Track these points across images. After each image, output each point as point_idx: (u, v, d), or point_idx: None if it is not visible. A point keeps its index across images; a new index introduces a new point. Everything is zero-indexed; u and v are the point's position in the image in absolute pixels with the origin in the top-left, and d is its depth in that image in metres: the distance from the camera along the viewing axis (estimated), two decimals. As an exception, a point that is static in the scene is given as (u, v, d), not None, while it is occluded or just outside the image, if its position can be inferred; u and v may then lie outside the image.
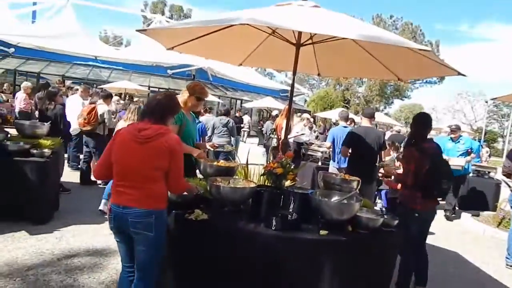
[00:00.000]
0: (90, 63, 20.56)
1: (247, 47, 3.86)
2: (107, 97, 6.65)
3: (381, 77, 4.58)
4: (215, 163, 3.05)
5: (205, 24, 2.68)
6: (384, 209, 2.82)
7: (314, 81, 47.58)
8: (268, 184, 2.89)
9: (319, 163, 6.49)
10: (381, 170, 4.18)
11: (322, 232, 2.40)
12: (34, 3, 27.25)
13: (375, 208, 3.02)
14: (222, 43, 3.61)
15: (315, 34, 3.19)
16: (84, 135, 6.29)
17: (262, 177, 3.09)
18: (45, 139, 4.12)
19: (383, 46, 2.90)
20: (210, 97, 19.06)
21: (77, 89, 7.57)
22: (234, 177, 2.82)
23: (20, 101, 8.86)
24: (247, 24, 3.06)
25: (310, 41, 3.30)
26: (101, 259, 3.34)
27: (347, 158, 5.03)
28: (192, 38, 3.38)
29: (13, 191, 3.69)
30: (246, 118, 19.76)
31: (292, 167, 2.89)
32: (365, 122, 5.14)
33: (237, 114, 10.23)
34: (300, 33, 3.16)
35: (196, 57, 19.95)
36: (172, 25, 2.75)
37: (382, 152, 5.13)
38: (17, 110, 9.05)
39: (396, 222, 2.70)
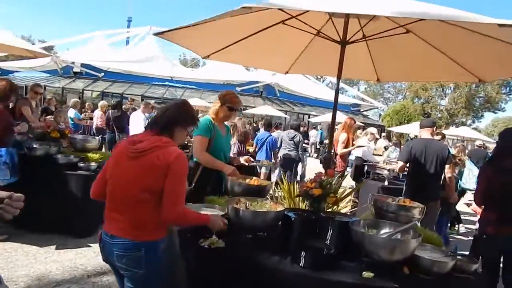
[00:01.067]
0: (167, 83, 22.05)
1: (292, 51, 3.48)
2: None
3: (455, 79, 3.80)
4: (246, 180, 2.67)
5: (221, 16, 2.30)
6: (456, 246, 2.11)
7: (390, 95, 44.91)
8: (304, 208, 2.42)
9: (386, 182, 5.69)
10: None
11: (366, 274, 1.86)
12: (128, 32, 30.43)
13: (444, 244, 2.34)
14: (262, 48, 3.29)
15: (363, 27, 2.68)
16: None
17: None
18: (94, 153, 4.19)
19: (454, 37, 2.28)
20: (277, 113, 18.99)
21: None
22: (264, 198, 2.39)
23: (97, 118, 9.65)
24: (285, 24, 2.71)
25: (359, 37, 2.79)
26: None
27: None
28: (228, 44, 3.12)
29: (59, 203, 3.76)
30: (313, 133, 19.17)
31: (342, 187, 2.40)
32: (424, 134, 4.36)
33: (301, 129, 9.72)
34: (345, 28, 2.68)
35: (264, 73, 20.21)
36: (187, 25, 2.47)
37: (447, 167, 4.27)
38: (94, 126, 9.91)
39: (475, 266, 2.01)
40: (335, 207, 3.70)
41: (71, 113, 8.96)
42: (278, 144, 6.93)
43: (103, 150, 7.01)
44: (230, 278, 1.99)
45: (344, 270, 1.89)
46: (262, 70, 27.04)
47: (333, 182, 2.36)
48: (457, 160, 5.31)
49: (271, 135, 6.89)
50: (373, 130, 6.90)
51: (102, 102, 9.99)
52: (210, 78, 22.69)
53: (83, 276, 3.11)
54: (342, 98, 28.74)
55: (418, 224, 2.38)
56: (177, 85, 21.99)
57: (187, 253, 2.16)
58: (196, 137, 2.86)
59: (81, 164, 3.90)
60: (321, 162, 7.03)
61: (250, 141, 7.40)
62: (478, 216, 3.80)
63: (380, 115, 38.37)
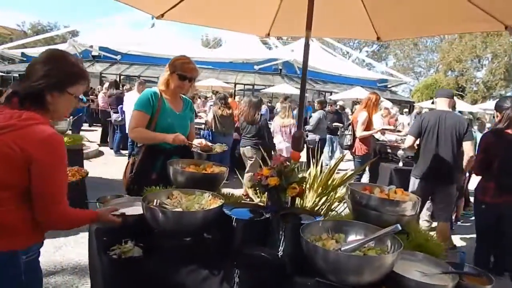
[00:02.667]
0: (184, 64, 21.60)
1: (267, 11, 2.84)
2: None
3: (474, 29, 2.99)
4: (191, 167, 2.13)
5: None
6: (463, 252, 1.51)
7: (421, 69, 42.31)
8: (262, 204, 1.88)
9: (400, 164, 4.99)
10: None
11: (323, 300, 1.31)
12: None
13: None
14: (234, 7, 2.68)
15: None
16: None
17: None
18: (64, 136, 3.80)
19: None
20: (296, 91, 18.14)
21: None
22: (211, 192, 1.83)
23: (100, 100, 9.42)
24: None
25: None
26: (81, 280, 2.77)
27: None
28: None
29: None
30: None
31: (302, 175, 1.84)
32: (441, 105, 3.75)
33: (329, 108, 8.54)
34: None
35: (283, 50, 19.46)
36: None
37: (467, 143, 3.55)
38: (100, 108, 9.69)
39: (491, 285, 1.41)
40: (321, 201, 3.14)
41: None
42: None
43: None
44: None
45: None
46: (282, 48, 26.14)
47: (295, 168, 1.79)
48: None
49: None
50: (388, 104, 6.10)
51: (105, 84, 9.71)
52: (227, 57, 22.04)
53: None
54: (367, 74, 27.33)
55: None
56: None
57: (101, 262, 1.69)
58: (133, 112, 2.35)
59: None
60: (339, 145, 6.34)
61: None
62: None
63: (410, 90, 36.24)
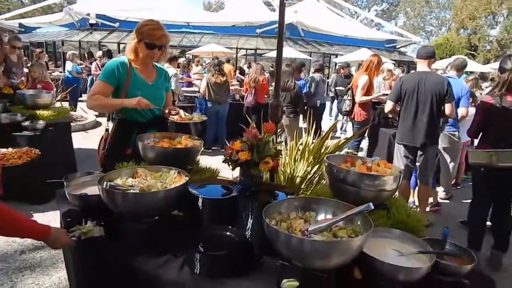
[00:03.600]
0: (183, 29, 20.99)
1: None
2: (172, 59, 6.30)
3: None
4: (162, 141, 2.01)
5: None
6: (446, 228, 1.39)
7: (432, 28, 40.53)
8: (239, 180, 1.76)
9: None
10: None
11: (287, 284, 1.22)
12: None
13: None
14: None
15: None
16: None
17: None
18: (46, 110, 3.68)
19: None
20: (299, 54, 17.58)
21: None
22: (178, 169, 1.70)
23: (94, 69, 9.22)
24: None
25: None
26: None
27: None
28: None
29: (5, 169, 3.36)
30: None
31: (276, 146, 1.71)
32: (420, 66, 3.65)
33: (342, 72, 8.05)
34: None
35: (286, 12, 18.88)
36: None
37: (448, 106, 3.51)
38: (89, 79, 9.49)
39: (469, 267, 1.30)
40: (313, 170, 3.02)
41: (69, 66, 8.54)
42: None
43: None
44: (104, 281, 1.44)
45: (261, 276, 1.27)
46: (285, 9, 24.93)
47: (269, 141, 1.66)
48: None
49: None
50: (389, 66, 5.77)
51: (99, 52, 9.46)
52: (228, 21, 21.28)
53: (15, 251, 2.76)
54: (375, 34, 26.22)
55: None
56: (194, 31, 20.87)
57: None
58: (96, 81, 2.19)
59: (25, 123, 3.42)
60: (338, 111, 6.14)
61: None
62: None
63: (419, 51, 34.85)
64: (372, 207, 1.21)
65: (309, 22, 20.68)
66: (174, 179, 1.57)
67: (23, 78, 5.08)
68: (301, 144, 3.53)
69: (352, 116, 5.25)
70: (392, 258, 1.27)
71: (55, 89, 4.13)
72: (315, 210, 1.37)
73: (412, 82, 3.56)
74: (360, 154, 5.58)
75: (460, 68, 4.62)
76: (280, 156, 1.71)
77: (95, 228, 1.45)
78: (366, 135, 5.58)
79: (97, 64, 8.87)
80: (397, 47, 25.68)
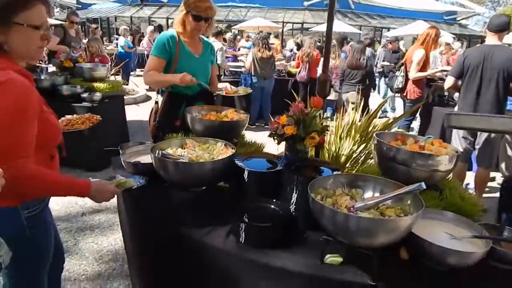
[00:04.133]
0: (230, 3, 20.82)
1: None
2: (218, 34, 6.36)
3: None
4: (211, 113, 2.04)
5: None
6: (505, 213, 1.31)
7: (500, -3, 36.59)
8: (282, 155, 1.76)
9: (455, 108, 4.47)
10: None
11: (331, 258, 1.22)
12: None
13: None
14: None
15: None
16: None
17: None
18: (102, 83, 3.89)
19: None
20: (349, 28, 16.77)
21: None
22: (225, 141, 1.73)
23: (145, 45, 9.51)
24: None
25: None
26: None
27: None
28: None
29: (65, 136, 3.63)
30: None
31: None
32: (490, 39, 3.26)
33: (389, 47, 7.58)
34: None
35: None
36: None
37: None
38: (145, 53, 9.80)
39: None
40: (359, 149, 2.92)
41: (121, 41, 8.88)
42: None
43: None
44: (152, 242, 1.54)
45: (304, 251, 1.28)
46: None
47: (316, 116, 1.63)
48: None
49: None
50: (448, 39, 5.31)
51: (149, 28, 9.70)
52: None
53: (76, 214, 3.03)
54: (433, 5, 24.18)
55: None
56: (240, 4, 20.62)
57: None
58: (150, 56, 2.25)
59: (84, 95, 3.65)
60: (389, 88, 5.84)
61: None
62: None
63: (484, 23, 31.75)
64: (424, 187, 1.16)
65: (360, -7, 19.59)
66: (221, 151, 1.61)
67: (81, 52, 5.38)
68: (347, 122, 3.43)
69: (404, 94, 4.97)
70: (444, 241, 1.21)
71: (109, 63, 4.35)
72: (361, 188, 1.34)
73: (478, 57, 3.25)
74: (410, 133, 5.31)
75: (502, 28, 4.15)
76: (326, 132, 1.68)
77: (129, 179, 1.52)
78: (418, 114, 5.27)
79: (149, 40, 9.14)
80: (458, 19, 23.59)
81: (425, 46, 4.57)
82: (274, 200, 1.44)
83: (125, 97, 4.96)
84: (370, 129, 3.38)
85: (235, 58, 8.18)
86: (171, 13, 20.54)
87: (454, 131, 3.62)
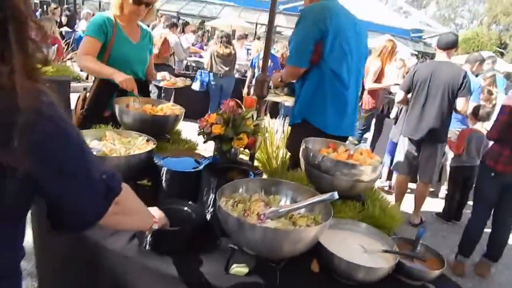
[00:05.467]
0: (204, -1, 20.56)
1: None
2: (173, 26, 6.23)
3: None
4: (144, 106, 1.92)
5: None
6: (422, 228, 1.29)
7: (463, 20, 38.82)
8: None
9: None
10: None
11: (236, 269, 1.15)
12: None
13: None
14: None
15: None
16: (155, 68, 6.11)
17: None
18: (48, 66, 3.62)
19: None
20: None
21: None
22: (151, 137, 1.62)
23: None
24: None
25: None
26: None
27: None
28: None
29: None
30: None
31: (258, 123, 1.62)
32: (439, 55, 3.41)
33: None
34: None
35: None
36: None
37: (460, 100, 3.27)
38: None
39: (437, 272, 1.19)
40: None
41: (82, 25, 8.45)
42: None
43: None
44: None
45: (212, 259, 1.19)
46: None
47: (247, 116, 1.56)
48: (486, 97, 4.08)
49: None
50: (405, 55, 5.51)
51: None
52: (253, -5, 20.70)
53: None
54: (401, 23, 25.17)
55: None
56: (216, 1, 20.40)
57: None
58: (83, 37, 2.09)
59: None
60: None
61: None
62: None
63: (447, 44, 33.44)
64: (336, 197, 1.11)
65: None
66: (140, 146, 1.50)
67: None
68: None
69: (360, 103, 5.07)
70: (355, 254, 1.18)
71: (64, 47, 4.05)
72: (280, 194, 1.28)
73: (426, 72, 3.36)
74: (362, 145, 5.42)
75: (473, 62, 4.40)
76: (257, 134, 1.61)
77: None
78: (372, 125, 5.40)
79: None
80: (424, 37, 24.70)
81: (381, 57, 4.71)
82: (190, 203, 1.36)
83: (75, 84, 4.68)
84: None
85: (200, 56, 8.02)
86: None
87: (400, 142, 3.71)
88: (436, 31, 25.00)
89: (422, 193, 3.62)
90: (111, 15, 2.09)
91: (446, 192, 4.20)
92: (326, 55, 1.95)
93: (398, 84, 5.27)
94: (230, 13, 18.63)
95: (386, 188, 4.50)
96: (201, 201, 1.38)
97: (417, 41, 23.71)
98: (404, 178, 3.67)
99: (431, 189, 4.21)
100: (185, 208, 1.33)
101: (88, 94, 2.17)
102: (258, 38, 14.50)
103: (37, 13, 5.50)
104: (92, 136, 1.53)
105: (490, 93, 4.13)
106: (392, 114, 4.62)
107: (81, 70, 4.84)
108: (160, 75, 2.23)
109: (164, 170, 1.41)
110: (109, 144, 1.48)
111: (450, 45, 3.33)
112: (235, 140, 1.53)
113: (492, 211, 3.01)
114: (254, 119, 1.66)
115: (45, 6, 18.39)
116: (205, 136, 1.59)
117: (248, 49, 9.28)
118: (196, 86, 5.79)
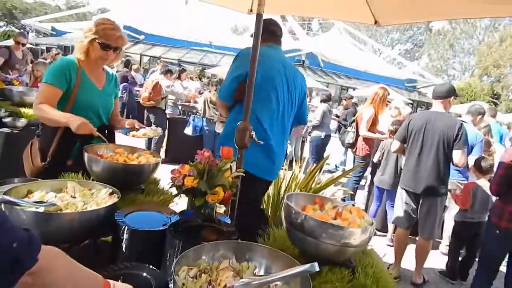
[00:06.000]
0: (205, 48, 21.37)
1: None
2: (167, 72, 6.45)
3: (497, 12, 2.35)
4: (117, 155, 1.78)
5: None
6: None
7: (455, 72, 40.29)
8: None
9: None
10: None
11: None
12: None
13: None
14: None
15: None
16: (146, 110, 6.21)
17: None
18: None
19: None
20: (316, 84, 17.49)
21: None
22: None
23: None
24: None
25: None
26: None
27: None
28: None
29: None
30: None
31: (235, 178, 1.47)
32: (435, 105, 3.35)
33: (343, 103, 8.08)
34: None
35: (306, 41, 18.92)
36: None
37: (456, 153, 3.14)
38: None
39: None
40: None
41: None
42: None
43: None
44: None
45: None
46: (306, 38, 25.31)
47: (223, 168, 1.41)
48: (484, 149, 3.98)
49: None
50: (399, 103, 5.51)
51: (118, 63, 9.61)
52: (248, 45, 21.57)
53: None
54: (395, 73, 26.09)
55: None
56: (216, 50, 21.21)
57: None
58: (41, 84, 1.98)
59: (6, 120, 3.28)
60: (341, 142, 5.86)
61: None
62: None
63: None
64: (317, 269, 0.93)
65: (330, 53, 20.77)
66: (103, 199, 1.34)
67: (26, 75, 5.05)
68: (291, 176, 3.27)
69: (354, 150, 4.99)
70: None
71: None
72: (254, 260, 1.11)
73: (420, 121, 3.28)
74: (359, 192, 5.24)
75: (475, 114, 4.35)
76: (234, 188, 1.46)
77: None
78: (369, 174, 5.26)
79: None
80: (418, 87, 25.41)
81: (374, 105, 4.70)
82: (151, 267, 1.17)
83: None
84: (312, 185, 3.23)
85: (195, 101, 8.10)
86: (145, 50, 20.72)
87: (398, 193, 3.55)
88: (430, 81, 25.86)
89: (423, 250, 3.37)
90: (75, 59, 2.01)
91: (448, 247, 3.95)
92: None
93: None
94: (229, 62, 19.29)
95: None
96: (164, 266, 1.19)
97: (412, 90, 24.32)
98: (403, 233, 3.45)
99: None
100: (144, 274, 1.14)
101: (42, 141, 2.02)
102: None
103: (29, 57, 5.59)
104: (50, 187, 1.37)
105: (488, 144, 4.04)
106: (375, 158, 4.49)
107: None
108: (128, 122, 2.13)
109: (124, 227, 1.23)
110: (68, 197, 1.32)
111: (446, 94, 3.28)
112: (209, 194, 1.37)
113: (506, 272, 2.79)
114: (233, 170, 1.52)
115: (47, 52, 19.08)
116: (176, 188, 1.43)
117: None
118: (188, 131, 5.78)
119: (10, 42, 5.22)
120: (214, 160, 1.44)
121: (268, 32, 2.20)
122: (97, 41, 1.95)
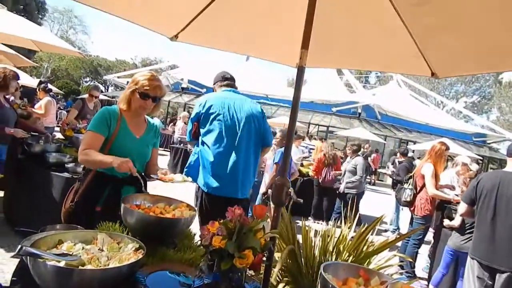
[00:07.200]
0: (262, 100, 22.15)
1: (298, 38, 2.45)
2: None
3: None
4: (155, 207, 1.75)
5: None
6: None
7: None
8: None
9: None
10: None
11: None
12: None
13: None
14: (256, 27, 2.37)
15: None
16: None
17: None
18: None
19: None
20: (373, 137, 16.94)
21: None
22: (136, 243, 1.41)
23: (178, 129, 9.92)
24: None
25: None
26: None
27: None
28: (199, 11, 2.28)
29: (39, 202, 3.43)
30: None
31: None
32: (510, 164, 2.94)
33: (399, 159, 7.73)
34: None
35: (363, 94, 18.79)
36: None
37: None
38: (176, 137, 10.19)
39: None
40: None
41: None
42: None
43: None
44: None
45: None
46: (362, 90, 25.13)
47: (255, 229, 1.30)
48: None
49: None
50: (465, 159, 4.97)
51: (184, 113, 10.24)
52: (306, 97, 21.95)
53: None
54: (462, 126, 24.40)
55: None
56: (272, 102, 21.87)
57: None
58: (86, 132, 2.08)
59: (68, 165, 3.53)
60: (397, 200, 5.37)
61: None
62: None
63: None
64: None
65: (388, 106, 20.24)
66: (127, 255, 1.28)
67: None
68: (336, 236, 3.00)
69: (412, 208, 4.53)
70: None
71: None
72: None
73: (492, 182, 2.90)
74: (421, 257, 4.66)
75: None
76: (266, 252, 1.32)
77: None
78: (432, 238, 4.71)
79: (183, 123, 9.61)
80: (488, 142, 23.41)
81: (431, 160, 4.33)
82: None
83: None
84: (364, 248, 2.92)
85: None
86: (206, 102, 22.06)
87: (468, 265, 3.06)
88: (502, 135, 23.68)
89: None
90: (116, 108, 2.12)
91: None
92: (202, 132, 2.76)
93: (453, 187, 4.72)
94: (284, 113, 19.66)
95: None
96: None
97: (481, 146, 22.46)
98: None
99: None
100: None
101: (80, 186, 2.08)
102: (310, 137, 14.80)
103: (99, 107, 6.22)
104: (81, 237, 1.35)
105: None
106: (456, 222, 3.89)
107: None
108: (162, 170, 2.14)
109: (144, 289, 1.15)
110: (95, 250, 1.29)
111: None
112: (237, 258, 1.25)
113: None
114: (266, 230, 1.39)
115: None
116: (205, 248, 1.34)
117: (304, 148, 9.50)
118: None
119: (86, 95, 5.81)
120: (246, 219, 1.34)
121: (224, 79, 3.05)
122: (137, 91, 2.06)
